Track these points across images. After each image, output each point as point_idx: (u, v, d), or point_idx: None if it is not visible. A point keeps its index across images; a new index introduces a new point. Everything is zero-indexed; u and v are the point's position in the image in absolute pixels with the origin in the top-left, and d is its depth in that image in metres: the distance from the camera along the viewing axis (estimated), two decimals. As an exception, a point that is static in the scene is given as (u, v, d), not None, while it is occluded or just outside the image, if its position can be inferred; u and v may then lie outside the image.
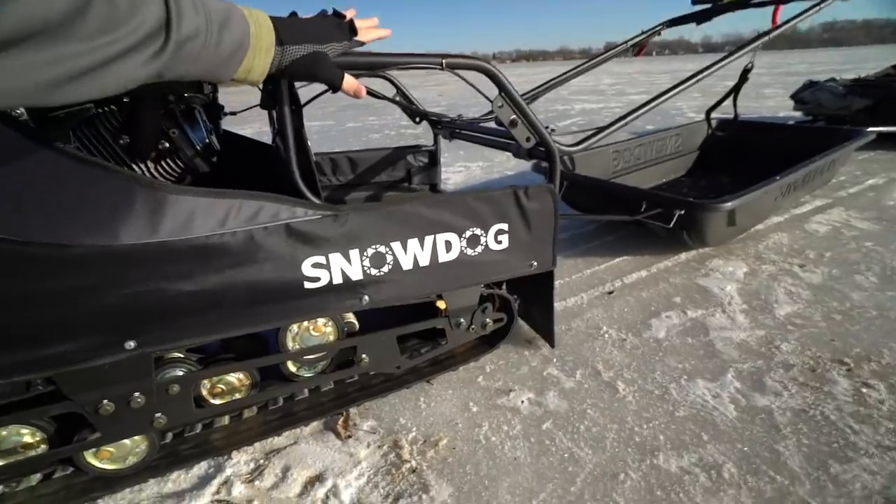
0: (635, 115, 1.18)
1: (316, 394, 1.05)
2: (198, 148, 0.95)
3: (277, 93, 0.80)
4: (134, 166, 0.89)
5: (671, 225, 1.46)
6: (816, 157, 1.86)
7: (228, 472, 0.90)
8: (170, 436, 0.93)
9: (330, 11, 0.74)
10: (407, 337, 1.09)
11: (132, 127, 0.88)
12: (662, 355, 1.21)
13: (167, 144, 0.92)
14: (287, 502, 0.84)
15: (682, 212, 1.46)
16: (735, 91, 2.25)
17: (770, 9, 1.80)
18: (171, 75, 0.52)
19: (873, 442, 0.91)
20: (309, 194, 0.82)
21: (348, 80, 0.74)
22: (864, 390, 1.04)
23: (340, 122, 6.43)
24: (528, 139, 0.97)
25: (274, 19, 0.66)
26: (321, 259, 0.81)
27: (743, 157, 2.54)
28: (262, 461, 0.93)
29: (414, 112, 1.61)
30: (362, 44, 0.76)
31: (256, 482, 0.88)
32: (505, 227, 0.98)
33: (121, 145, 0.88)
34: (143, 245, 0.67)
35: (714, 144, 2.67)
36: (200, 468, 0.91)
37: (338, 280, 0.84)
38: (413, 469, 0.90)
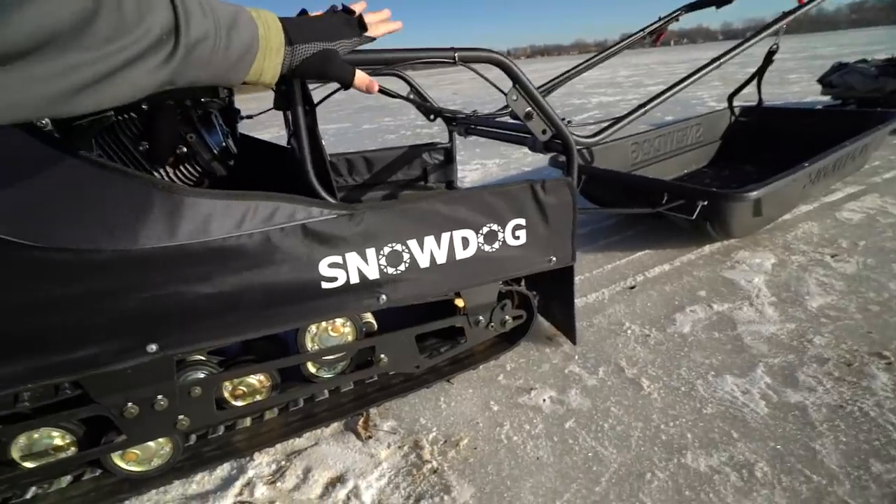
0: (653, 103, 1.15)
1: (336, 395, 1.05)
2: (215, 152, 0.96)
3: (290, 93, 0.80)
4: (154, 171, 0.91)
5: (694, 216, 1.42)
6: (847, 141, 1.79)
7: (251, 473, 0.91)
8: (193, 438, 0.95)
9: (339, 7, 0.73)
10: (426, 336, 1.09)
11: (151, 133, 0.89)
12: (688, 351, 1.17)
13: (185, 149, 0.93)
14: (309, 503, 0.84)
15: (706, 203, 1.41)
16: (759, 75, 2.17)
17: (795, -12, 1.73)
18: (182, 81, 0.51)
19: (917, 439, 0.86)
20: (324, 194, 0.82)
21: (360, 76, 0.73)
22: (905, 385, 0.99)
23: (357, 123, 6.47)
24: (544, 132, 0.95)
25: (283, 19, 0.65)
26: (338, 259, 0.81)
27: (768, 145, 2.46)
28: (283, 462, 0.93)
29: (428, 109, 1.60)
30: (373, 39, 0.75)
31: (278, 483, 0.89)
32: (522, 222, 0.96)
33: (141, 151, 0.89)
34: (162, 248, 0.68)
35: (737, 132, 2.59)
36: (223, 470, 0.92)
37: (355, 280, 0.83)
38: (434, 469, 0.89)
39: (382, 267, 0.85)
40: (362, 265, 0.83)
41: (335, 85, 0.79)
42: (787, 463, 0.84)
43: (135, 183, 0.67)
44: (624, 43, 1.83)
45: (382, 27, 0.77)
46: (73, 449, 0.82)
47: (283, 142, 1.36)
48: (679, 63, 13.22)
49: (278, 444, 0.97)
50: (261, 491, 0.87)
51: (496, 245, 0.95)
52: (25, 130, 0.65)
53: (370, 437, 0.98)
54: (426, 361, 1.06)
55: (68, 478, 0.86)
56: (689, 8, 1.91)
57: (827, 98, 3.79)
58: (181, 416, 0.83)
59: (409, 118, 6.20)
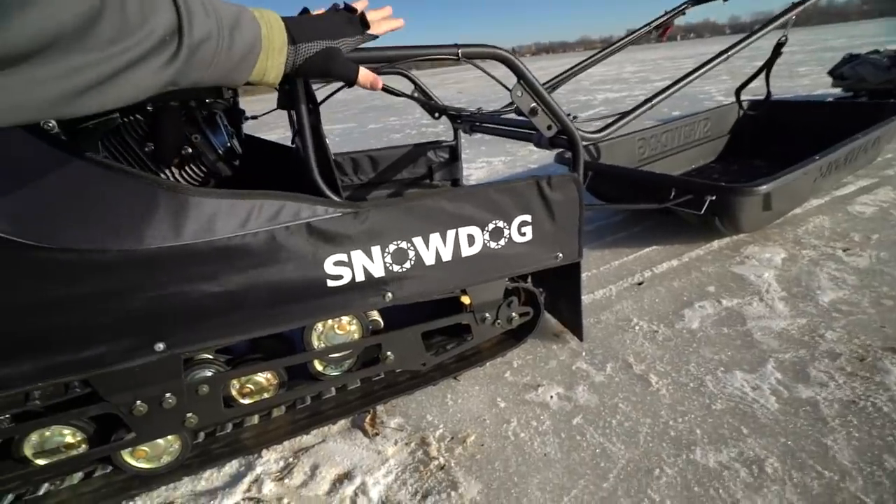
0: (660, 98, 1.14)
1: (343, 392, 1.06)
2: (220, 152, 0.97)
3: (294, 92, 0.80)
4: (159, 172, 0.91)
5: (702, 211, 1.40)
6: (859, 133, 1.76)
7: (259, 470, 0.92)
8: (202, 435, 0.95)
9: (341, 5, 0.73)
10: (432, 333, 1.08)
11: (156, 134, 0.90)
12: (697, 346, 1.16)
13: (190, 150, 0.93)
14: (316, 500, 0.85)
15: (714, 197, 1.40)
16: (767, 67, 2.13)
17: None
18: (185, 82, 0.51)
19: (932, 434, 0.85)
20: (328, 192, 0.82)
21: (364, 73, 0.73)
22: (919, 379, 0.97)
23: (362, 123, 6.49)
24: (549, 127, 0.95)
25: (285, 19, 0.65)
26: (343, 257, 0.81)
27: (778, 139, 2.42)
28: (291, 459, 0.94)
29: (433, 107, 1.60)
30: (375, 37, 0.75)
31: (286, 480, 0.89)
32: (528, 218, 0.96)
33: (146, 153, 0.90)
34: (167, 248, 0.68)
35: (746, 127, 2.56)
36: (232, 467, 0.93)
37: (360, 277, 0.84)
38: (441, 466, 0.89)
39: (388, 265, 0.85)
40: (368, 263, 0.84)
41: (338, 83, 0.79)
42: (798, 459, 0.83)
43: (139, 183, 0.67)
44: (630, 37, 1.82)
45: (384, 25, 0.77)
46: (83, 446, 0.83)
47: (289, 143, 1.37)
48: (686, 58, 13.09)
49: (286, 442, 0.97)
50: (269, 487, 0.88)
51: (502, 242, 0.95)
52: (32, 133, 0.66)
53: (377, 434, 0.98)
54: (432, 359, 1.06)
55: (80, 475, 0.87)
56: (696, 1, 1.89)
57: (838, 90, 3.73)
58: (189, 414, 0.84)
59: (415, 117, 6.20)
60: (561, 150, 1.04)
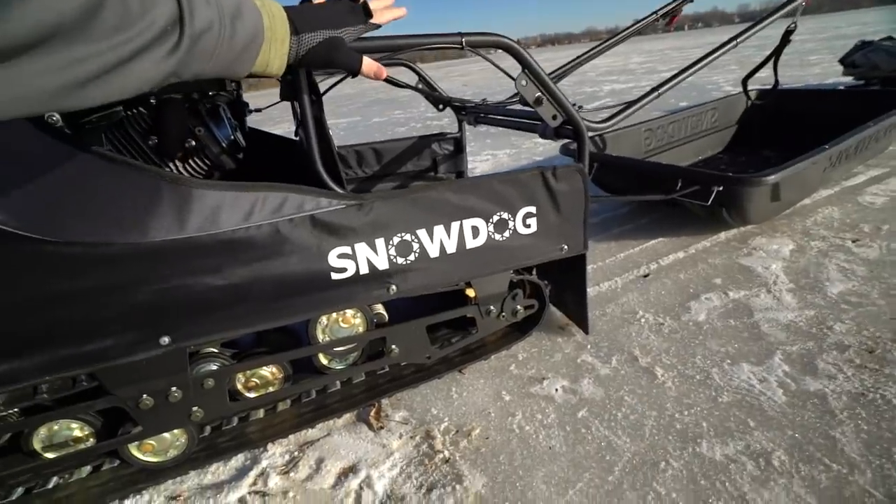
0: (667, 87, 1.12)
1: (348, 386, 1.06)
2: (223, 145, 0.96)
3: (296, 83, 0.79)
4: (164, 165, 0.91)
5: (709, 203, 1.39)
6: (870, 122, 1.73)
7: (264, 463, 0.92)
8: (208, 429, 0.96)
9: (343, -7, 0.72)
10: (437, 326, 1.08)
11: (160, 127, 0.90)
12: (703, 339, 1.15)
13: (194, 143, 0.93)
14: (321, 493, 0.85)
15: (721, 188, 1.38)
16: (776, 55, 2.09)
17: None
18: (187, 73, 0.51)
19: (943, 427, 0.83)
20: (332, 183, 0.82)
21: (367, 63, 0.72)
22: (930, 372, 0.96)
23: (367, 117, 6.47)
24: (554, 117, 0.93)
25: (287, 9, 0.64)
26: (347, 249, 0.81)
27: (786, 129, 2.39)
28: (296, 453, 0.94)
29: (437, 99, 1.59)
30: (378, 26, 0.74)
31: (291, 474, 0.90)
32: (533, 210, 0.95)
33: (150, 146, 0.90)
34: (172, 241, 0.68)
35: (754, 116, 2.52)
36: (238, 460, 0.94)
37: (364, 270, 0.83)
38: (446, 459, 0.89)
39: (392, 257, 0.85)
40: (372, 255, 0.83)
41: (341, 74, 0.78)
42: (805, 452, 0.82)
43: (143, 176, 0.67)
44: (637, 25, 1.79)
45: (387, 14, 0.75)
46: (91, 440, 0.84)
47: (294, 136, 1.36)
48: (694, 48, 12.92)
49: (291, 435, 0.97)
50: (274, 481, 0.88)
51: (507, 234, 0.94)
52: (36, 126, 0.66)
53: (382, 428, 0.98)
54: (437, 352, 1.06)
55: (88, 468, 0.88)
56: (704, -12, 1.85)
57: (849, 79, 3.66)
58: (195, 408, 0.84)
59: (420, 110, 6.17)
60: (566, 141, 1.03)
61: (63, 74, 0.40)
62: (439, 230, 0.88)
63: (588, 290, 1.12)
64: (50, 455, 0.82)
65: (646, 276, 1.49)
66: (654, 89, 1.12)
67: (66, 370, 0.69)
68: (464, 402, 1.03)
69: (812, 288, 1.30)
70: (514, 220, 0.94)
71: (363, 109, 7.31)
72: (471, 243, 0.91)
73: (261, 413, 1.00)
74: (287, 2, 0.69)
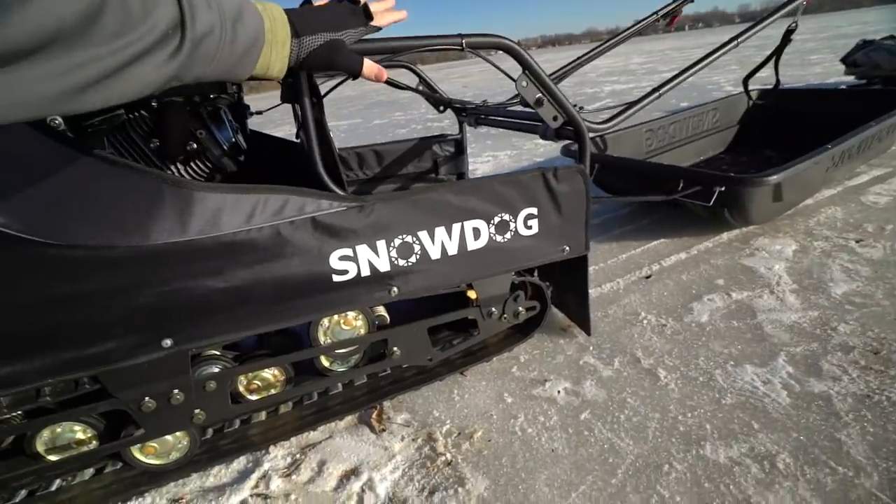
0: (667, 87, 1.12)
1: (349, 388, 1.05)
2: (225, 147, 0.97)
3: (297, 85, 0.79)
4: (165, 168, 0.91)
5: (711, 203, 1.38)
6: (873, 122, 1.72)
7: (266, 466, 0.92)
8: (210, 432, 0.96)
9: (344, -4, 0.72)
10: (438, 328, 1.08)
11: (161, 130, 0.90)
12: (706, 340, 1.15)
13: (195, 145, 0.93)
14: (323, 496, 0.85)
15: (723, 188, 1.38)
16: (776, 55, 2.08)
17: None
18: (188, 77, 0.51)
19: (949, 429, 0.83)
20: (333, 185, 0.82)
21: (368, 65, 0.72)
22: (936, 373, 0.95)
23: (367, 119, 6.48)
24: (555, 118, 0.93)
25: (288, 12, 0.64)
26: (348, 251, 0.81)
27: (788, 128, 2.38)
28: (298, 455, 0.94)
29: (438, 101, 1.59)
30: (378, 29, 0.74)
31: (293, 476, 0.89)
32: (534, 211, 0.95)
33: (152, 149, 0.90)
34: (173, 244, 0.68)
35: (755, 116, 2.52)
36: (240, 463, 0.93)
37: (366, 272, 0.83)
38: (448, 462, 0.89)
39: (393, 259, 0.85)
40: (373, 257, 0.83)
41: (341, 76, 0.78)
42: (810, 454, 0.81)
43: (145, 179, 0.67)
44: (637, 26, 1.79)
45: (388, 16, 0.75)
46: (94, 443, 0.84)
47: (295, 139, 1.36)
48: (695, 48, 12.91)
49: (293, 438, 0.97)
50: (276, 484, 0.88)
51: (508, 235, 0.94)
52: (38, 130, 0.66)
53: (384, 430, 0.98)
54: (439, 354, 1.05)
55: (91, 471, 0.88)
56: (705, -12, 1.85)
57: (851, 78, 3.65)
58: (197, 410, 0.84)
59: (420, 112, 6.18)
60: (567, 142, 1.03)
61: (63, 79, 0.40)
62: (440, 232, 0.88)
63: (590, 291, 1.11)
64: (53, 457, 0.82)
65: (648, 277, 1.48)
66: (654, 90, 1.11)
67: (69, 373, 0.70)
68: (466, 405, 1.03)
69: (815, 288, 1.30)
70: (515, 222, 0.94)
71: (364, 111, 7.32)
72: (472, 245, 0.91)
73: (262, 415, 1.00)
74: (288, 3, 0.70)
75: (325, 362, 0.98)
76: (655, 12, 1.75)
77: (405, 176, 1.75)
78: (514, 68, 0.89)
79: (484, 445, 0.92)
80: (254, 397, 0.94)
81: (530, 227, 0.96)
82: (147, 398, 0.79)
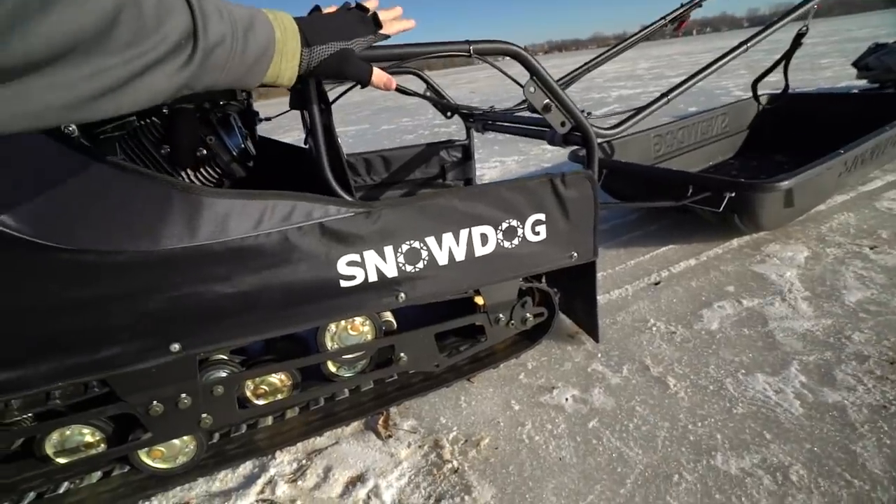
0: (676, 92, 1.11)
1: (356, 394, 1.05)
2: (234, 153, 0.97)
3: (306, 92, 0.80)
4: (175, 174, 0.92)
5: (721, 209, 1.37)
6: (887, 126, 1.70)
7: (272, 471, 0.92)
8: (217, 436, 0.96)
9: (353, 4, 0.73)
10: (445, 334, 1.08)
11: (172, 137, 0.91)
12: (716, 348, 1.13)
13: (205, 151, 0.94)
14: (329, 502, 0.85)
15: (733, 194, 1.36)
16: (786, 59, 2.06)
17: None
18: (199, 85, 0.51)
19: (968, 441, 0.81)
20: (341, 191, 0.82)
21: (377, 74, 0.73)
22: (953, 383, 0.93)
23: (375, 125, 6.51)
24: (563, 124, 0.93)
25: (298, 20, 0.65)
26: (356, 257, 0.81)
27: (799, 133, 2.36)
28: (304, 461, 0.94)
29: (445, 106, 1.59)
30: (387, 37, 0.74)
31: (299, 482, 0.89)
32: (542, 217, 0.94)
33: (162, 155, 0.91)
34: (182, 249, 0.68)
35: (766, 121, 2.49)
36: (246, 468, 0.93)
37: (373, 278, 0.83)
38: (455, 469, 0.88)
39: (401, 265, 0.85)
40: (381, 263, 0.83)
41: (350, 83, 0.79)
42: (824, 466, 0.80)
43: (154, 184, 0.68)
44: (644, 31, 1.78)
45: (396, 25, 0.76)
46: (102, 446, 0.84)
47: (303, 145, 1.37)
48: (703, 53, 12.86)
49: (299, 443, 0.97)
50: (282, 489, 0.88)
51: (515, 241, 0.94)
52: (51, 136, 0.67)
53: (390, 437, 0.97)
54: (446, 360, 1.05)
55: (98, 474, 0.88)
56: (714, -7, 1.84)
57: (863, 82, 3.62)
58: (204, 415, 0.84)
59: (427, 118, 6.20)
60: (575, 147, 1.02)
61: (77, 89, 0.40)
62: (448, 237, 0.87)
63: (598, 297, 1.11)
64: (61, 460, 0.82)
65: (657, 283, 1.47)
66: (663, 95, 1.11)
67: (79, 376, 0.70)
68: (473, 412, 1.02)
69: (828, 296, 1.28)
70: (522, 228, 0.93)
71: (372, 117, 7.36)
72: (479, 251, 0.91)
73: (269, 420, 1.00)
74: (298, 8, 0.70)
75: (331, 367, 0.98)
76: (663, 17, 1.75)
77: (413, 181, 1.76)
78: (522, 74, 0.89)
79: (491, 453, 0.91)
80: (261, 402, 0.94)
81: (538, 233, 0.95)
82: (155, 402, 0.79)
